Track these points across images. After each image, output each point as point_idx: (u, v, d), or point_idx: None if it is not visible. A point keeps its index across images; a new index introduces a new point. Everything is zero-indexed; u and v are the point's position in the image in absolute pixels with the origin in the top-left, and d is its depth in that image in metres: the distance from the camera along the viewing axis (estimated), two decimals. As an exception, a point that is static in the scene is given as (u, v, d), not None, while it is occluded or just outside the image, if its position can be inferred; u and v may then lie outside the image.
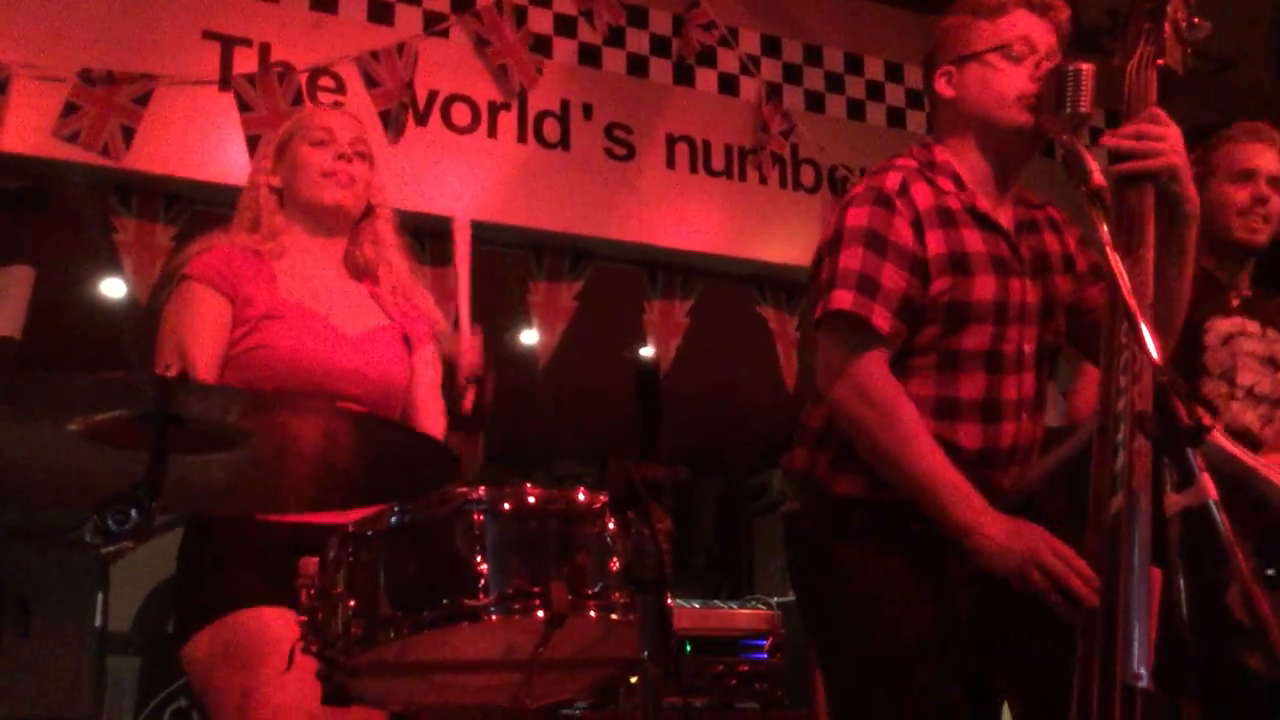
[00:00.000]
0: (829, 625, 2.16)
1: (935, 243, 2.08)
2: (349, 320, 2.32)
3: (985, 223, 2.14)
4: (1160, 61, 2.07)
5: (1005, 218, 2.18)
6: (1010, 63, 2.13)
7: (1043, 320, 2.17)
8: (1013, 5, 2.16)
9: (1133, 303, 1.80)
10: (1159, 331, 1.98)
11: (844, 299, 2.03)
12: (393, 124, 3.94)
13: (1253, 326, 2.81)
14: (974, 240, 2.11)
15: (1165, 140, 2.02)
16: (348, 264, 2.44)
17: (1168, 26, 2.08)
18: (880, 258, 2.04)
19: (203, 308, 2.22)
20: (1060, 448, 2.11)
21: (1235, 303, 2.83)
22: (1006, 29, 2.15)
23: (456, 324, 2.40)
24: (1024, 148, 2.17)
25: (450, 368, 2.33)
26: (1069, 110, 2.05)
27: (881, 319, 2.02)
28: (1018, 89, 2.12)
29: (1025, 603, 1.94)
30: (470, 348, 2.34)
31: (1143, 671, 1.74)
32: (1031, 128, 2.11)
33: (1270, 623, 1.68)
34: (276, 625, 2.00)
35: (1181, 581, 2.00)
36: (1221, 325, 2.79)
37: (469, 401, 2.27)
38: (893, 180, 2.11)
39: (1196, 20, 2.09)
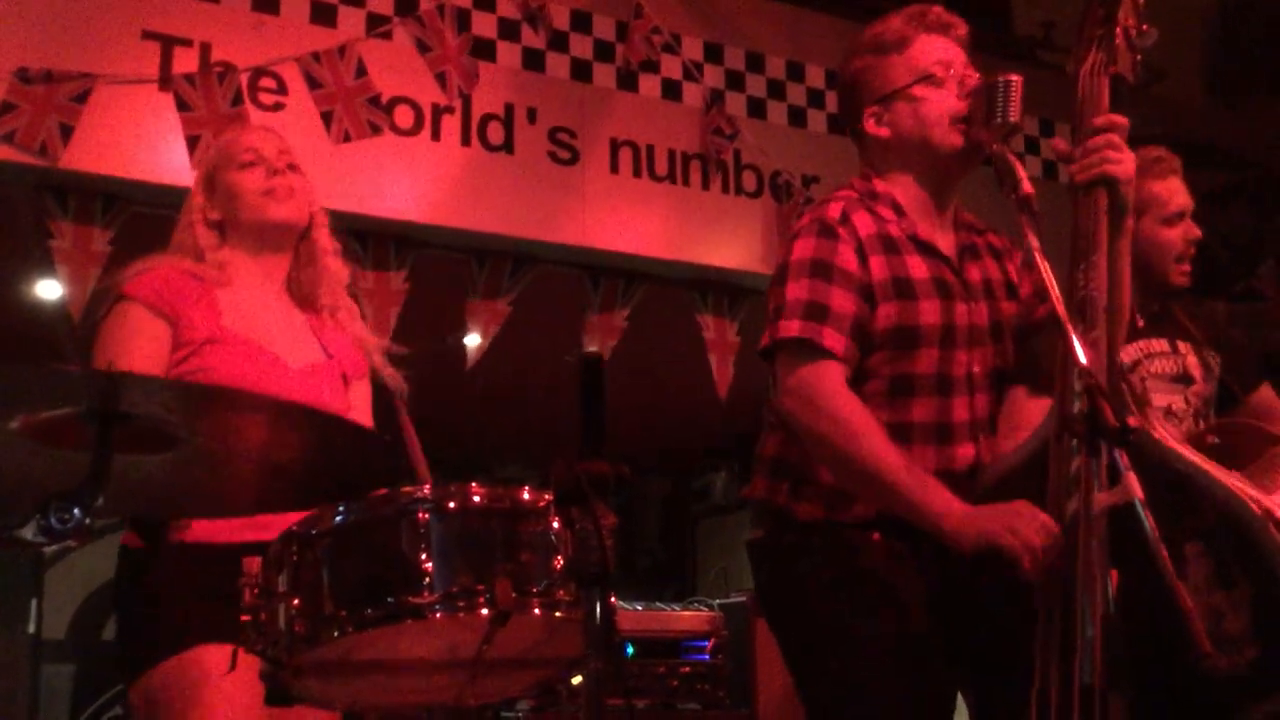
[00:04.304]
0: (799, 646, 2.19)
1: (878, 268, 2.12)
2: (292, 352, 2.30)
3: (927, 249, 2.18)
4: (1113, 69, 2.07)
5: (946, 244, 2.23)
6: (935, 88, 2.18)
7: (993, 343, 2.20)
8: (915, 32, 2.20)
9: (1061, 309, 1.86)
10: (1113, 323, 2.03)
11: (790, 327, 2.07)
12: (335, 125, 3.93)
13: (1159, 345, 2.77)
14: (917, 266, 2.15)
15: (1125, 151, 2.04)
16: (291, 290, 2.42)
17: (1119, 34, 2.08)
18: (827, 284, 2.08)
19: (140, 329, 2.19)
20: (1019, 449, 2.09)
21: (1140, 324, 2.77)
22: (920, 57, 2.19)
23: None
24: (962, 167, 2.21)
25: None
26: (999, 120, 2.11)
27: (832, 340, 2.06)
28: (950, 111, 2.17)
29: (984, 603, 1.99)
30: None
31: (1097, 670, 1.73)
32: (967, 146, 2.16)
33: (1194, 618, 1.72)
34: (222, 666, 1.98)
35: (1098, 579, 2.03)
36: (1125, 352, 2.69)
37: None
38: (834, 210, 2.15)
39: (1145, 27, 2.09)
